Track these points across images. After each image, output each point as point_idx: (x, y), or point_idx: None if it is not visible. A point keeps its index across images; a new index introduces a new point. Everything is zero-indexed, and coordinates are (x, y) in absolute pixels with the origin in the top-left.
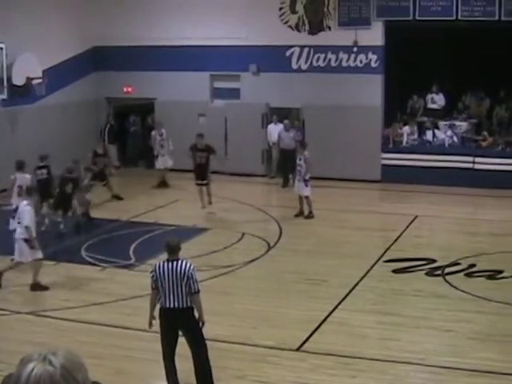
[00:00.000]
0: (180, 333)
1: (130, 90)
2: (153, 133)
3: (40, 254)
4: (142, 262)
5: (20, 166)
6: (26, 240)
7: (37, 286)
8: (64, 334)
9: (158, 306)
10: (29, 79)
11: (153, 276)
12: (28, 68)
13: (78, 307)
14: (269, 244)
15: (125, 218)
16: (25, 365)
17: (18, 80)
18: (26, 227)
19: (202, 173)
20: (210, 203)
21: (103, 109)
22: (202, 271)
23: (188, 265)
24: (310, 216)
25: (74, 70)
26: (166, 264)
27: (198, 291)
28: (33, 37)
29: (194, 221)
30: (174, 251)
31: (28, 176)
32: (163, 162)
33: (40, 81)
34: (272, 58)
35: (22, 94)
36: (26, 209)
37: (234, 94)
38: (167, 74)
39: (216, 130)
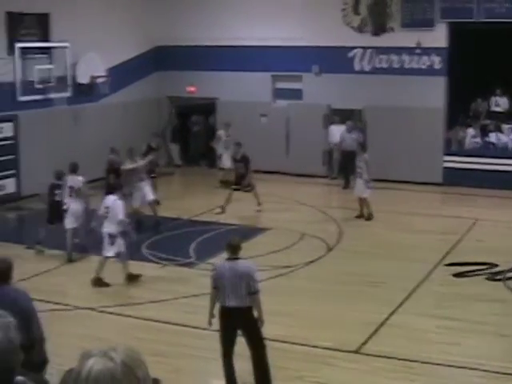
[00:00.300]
0: (239, 332)
1: (192, 89)
2: (219, 132)
3: (112, 252)
4: (202, 261)
5: (73, 169)
6: (123, 233)
7: (99, 282)
8: (124, 330)
9: (217, 305)
10: (93, 78)
11: (213, 275)
12: (92, 67)
13: (138, 304)
14: (329, 245)
15: (186, 217)
16: (85, 360)
17: (83, 79)
18: (121, 221)
19: (240, 181)
20: (259, 204)
21: (165, 108)
22: (261, 271)
23: (249, 265)
24: (370, 218)
25: (137, 70)
26: (226, 263)
27: (258, 291)
28: (97, 36)
29: (255, 220)
30: (234, 250)
31: (80, 178)
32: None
33: (104, 79)
34: (334, 59)
35: (85, 92)
36: (117, 203)
37: (296, 94)
38: (229, 74)
39: (278, 130)
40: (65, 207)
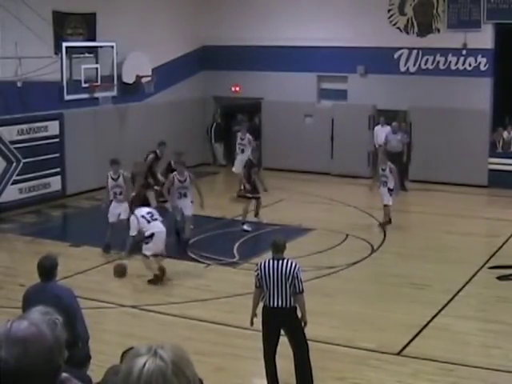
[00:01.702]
0: (282, 332)
1: (237, 89)
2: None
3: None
4: (245, 261)
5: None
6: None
7: (155, 280)
8: (166, 328)
9: (261, 305)
10: (138, 77)
11: (257, 274)
12: (138, 66)
13: (181, 303)
14: (372, 246)
15: (229, 217)
16: (134, 359)
17: (128, 78)
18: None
19: (255, 187)
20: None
21: (210, 108)
22: (304, 272)
23: (293, 264)
24: (386, 223)
25: (183, 69)
26: (271, 262)
27: (303, 291)
28: (143, 36)
29: (298, 221)
30: (279, 250)
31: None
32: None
33: (149, 79)
34: (380, 60)
35: (131, 91)
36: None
37: (341, 95)
38: (274, 74)
39: (322, 131)
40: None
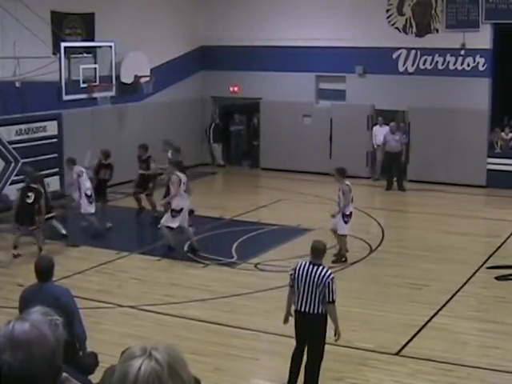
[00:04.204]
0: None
1: (235, 89)
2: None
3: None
4: (243, 261)
5: None
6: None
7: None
8: (165, 328)
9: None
10: (137, 77)
11: (291, 274)
12: (136, 66)
13: (179, 303)
14: (371, 246)
15: (228, 217)
16: (129, 361)
17: (127, 78)
18: None
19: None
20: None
21: (209, 108)
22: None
23: (328, 273)
24: (338, 260)
25: (181, 69)
26: (306, 266)
27: (333, 301)
28: (141, 35)
29: (296, 221)
30: (318, 255)
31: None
32: None
33: (148, 79)
34: (378, 60)
35: (130, 91)
36: None
37: (340, 95)
38: (273, 74)
39: (321, 131)
40: None
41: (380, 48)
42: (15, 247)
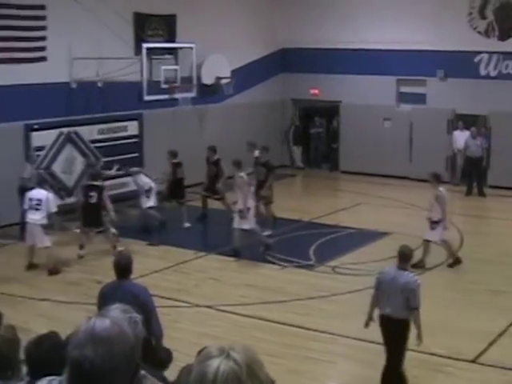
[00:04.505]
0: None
1: (316, 92)
2: None
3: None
4: (321, 264)
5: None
6: None
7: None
8: (240, 329)
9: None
10: (218, 79)
11: (378, 277)
12: (217, 68)
13: (255, 304)
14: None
15: (306, 219)
16: (207, 361)
17: (208, 79)
18: None
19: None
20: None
21: (289, 110)
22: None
23: (413, 279)
24: (455, 264)
25: (262, 71)
26: (393, 271)
27: (417, 308)
28: (222, 37)
29: (375, 225)
30: (404, 259)
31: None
32: None
33: (228, 80)
34: (460, 64)
35: (210, 92)
36: None
37: (420, 98)
38: (353, 77)
39: (401, 134)
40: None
41: (461, 52)
42: (81, 247)
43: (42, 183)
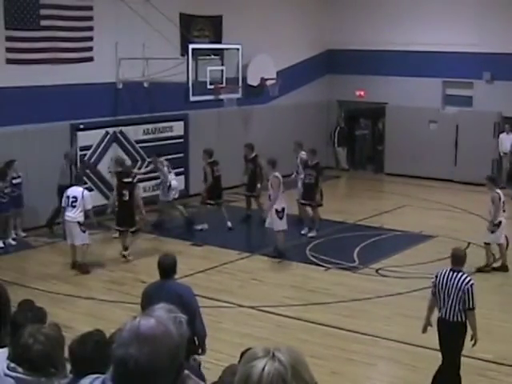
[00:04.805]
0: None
1: (362, 93)
2: None
3: None
4: (365, 266)
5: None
6: None
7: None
8: (284, 330)
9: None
10: (263, 80)
11: (433, 281)
12: (263, 69)
13: (299, 305)
14: (494, 256)
15: (351, 221)
16: (252, 362)
17: (253, 80)
18: None
19: (308, 194)
20: (313, 229)
21: (334, 111)
22: (425, 279)
23: (467, 280)
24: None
25: (308, 73)
26: (447, 273)
27: (473, 308)
28: (268, 39)
29: (419, 227)
30: (458, 262)
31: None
32: None
33: (274, 82)
34: (507, 66)
35: (255, 93)
36: None
37: (467, 101)
38: (399, 78)
39: (446, 137)
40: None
41: (508, 54)
42: (125, 248)
43: (79, 180)
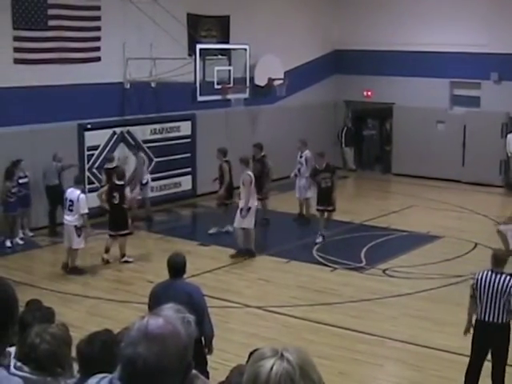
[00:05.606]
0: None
1: (369, 93)
2: None
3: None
4: (372, 266)
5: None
6: None
7: None
8: (291, 330)
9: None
10: (270, 80)
11: (473, 284)
12: (270, 69)
13: (306, 305)
14: None
15: (358, 221)
16: (260, 361)
17: (260, 80)
18: None
19: (326, 198)
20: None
21: (341, 112)
22: (432, 279)
23: (511, 280)
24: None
25: (315, 73)
26: (488, 275)
27: None
28: (275, 39)
29: (427, 228)
30: (499, 263)
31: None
32: None
33: (281, 82)
34: None
35: (263, 94)
36: None
37: (474, 101)
38: (406, 79)
39: (454, 137)
40: None
41: None
42: (107, 250)
43: (78, 183)
